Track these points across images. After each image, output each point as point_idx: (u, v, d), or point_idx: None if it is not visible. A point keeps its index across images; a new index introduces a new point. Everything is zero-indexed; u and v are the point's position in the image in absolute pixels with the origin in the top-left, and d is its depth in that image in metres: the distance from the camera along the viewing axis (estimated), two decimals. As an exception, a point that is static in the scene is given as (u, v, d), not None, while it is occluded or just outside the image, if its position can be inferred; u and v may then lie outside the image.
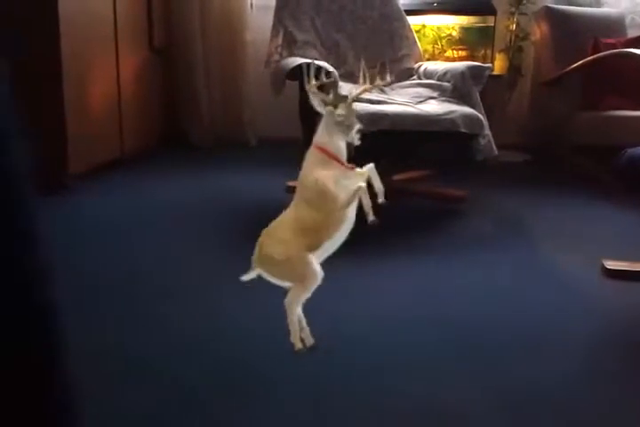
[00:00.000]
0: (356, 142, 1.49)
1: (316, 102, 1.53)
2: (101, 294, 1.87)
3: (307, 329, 1.52)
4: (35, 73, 2.64)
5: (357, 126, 1.49)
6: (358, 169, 1.47)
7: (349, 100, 1.50)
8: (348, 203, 1.44)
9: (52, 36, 2.67)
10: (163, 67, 3.83)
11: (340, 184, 1.45)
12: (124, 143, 3.32)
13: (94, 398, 1.29)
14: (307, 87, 1.54)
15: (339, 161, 1.46)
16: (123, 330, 1.66)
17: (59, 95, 2.73)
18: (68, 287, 1.77)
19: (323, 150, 1.47)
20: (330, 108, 1.50)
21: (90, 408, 1.24)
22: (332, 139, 1.48)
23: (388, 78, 1.61)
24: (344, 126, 1.48)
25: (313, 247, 1.45)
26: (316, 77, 1.58)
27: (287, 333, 1.48)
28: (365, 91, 1.59)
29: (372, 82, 1.61)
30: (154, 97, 3.74)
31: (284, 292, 1.58)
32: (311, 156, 1.50)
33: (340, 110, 1.48)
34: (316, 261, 1.46)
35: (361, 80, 1.62)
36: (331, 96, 1.52)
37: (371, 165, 1.47)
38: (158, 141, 3.77)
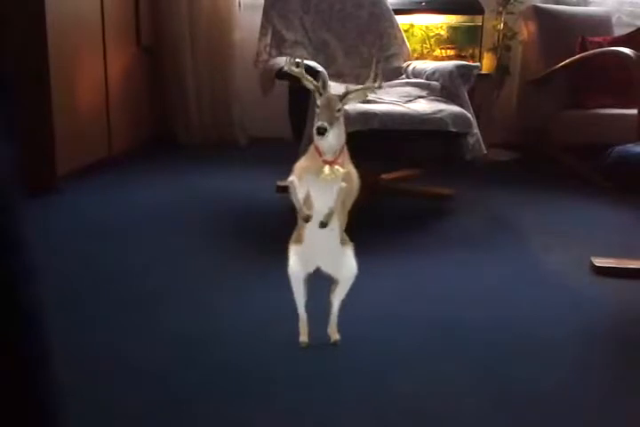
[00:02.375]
0: (319, 139, 1.44)
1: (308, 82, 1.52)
2: (93, 296, 1.86)
3: (335, 324, 1.56)
4: (21, 73, 2.62)
5: (319, 123, 1.43)
6: (337, 167, 1.44)
7: (343, 94, 1.48)
8: (292, 196, 1.45)
9: (39, 35, 2.65)
10: (150, 66, 3.81)
11: (305, 177, 1.45)
12: (113, 143, 3.30)
13: (92, 400, 1.29)
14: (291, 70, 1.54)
15: (319, 153, 1.46)
16: (119, 330, 1.65)
17: (46, 95, 2.71)
18: (57, 289, 1.77)
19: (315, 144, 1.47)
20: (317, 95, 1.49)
21: (87, 410, 1.24)
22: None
23: (378, 82, 1.58)
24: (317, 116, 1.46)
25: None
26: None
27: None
28: (354, 91, 1.56)
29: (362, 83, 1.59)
30: (142, 96, 3.72)
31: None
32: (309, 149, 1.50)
33: (319, 101, 1.47)
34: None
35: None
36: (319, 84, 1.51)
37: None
38: (147, 141, 3.75)
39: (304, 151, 1.53)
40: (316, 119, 1.45)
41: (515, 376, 1.49)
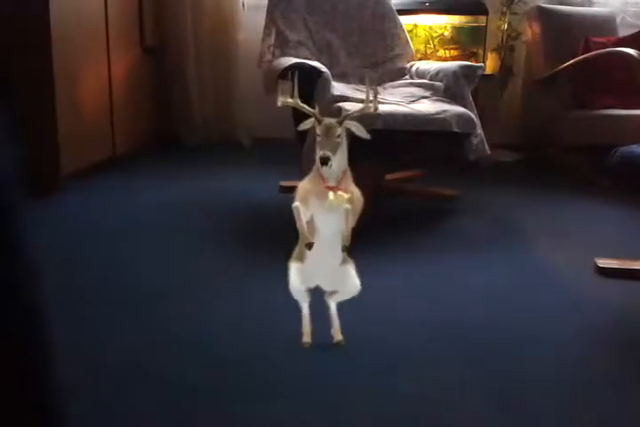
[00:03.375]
0: (322, 168, 1.42)
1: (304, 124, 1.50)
2: (95, 296, 1.87)
3: (337, 324, 1.57)
4: (26, 73, 2.63)
5: (322, 153, 1.40)
6: (340, 193, 1.42)
7: (338, 121, 1.45)
8: (296, 220, 1.44)
9: (43, 36, 2.66)
10: (154, 66, 3.82)
11: (310, 202, 1.45)
12: (116, 143, 3.31)
13: (92, 400, 1.29)
14: (292, 104, 1.51)
15: (322, 177, 1.46)
16: (119, 331, 1.65)
17: (50, 96, 2.71)
18: (59, 289, 1.77)
19: (317, 166, 1.47)
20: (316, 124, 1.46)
21: (87, 410, 1.24)
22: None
23: (374, 106, 1.55)
24: (318, 144, 1.43)
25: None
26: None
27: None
28: (351, 115, 1.51)
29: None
30: (145, 97, 3.73)
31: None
32: (312, 169, 1.50)
33: (318, 129, 1.44)
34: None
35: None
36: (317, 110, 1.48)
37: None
38: (150, 141, 3.75)
39: (307, 160, 1.52)
40: (317, 148, 1.44)
41: (515, 376, 1.49)
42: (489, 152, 2.66)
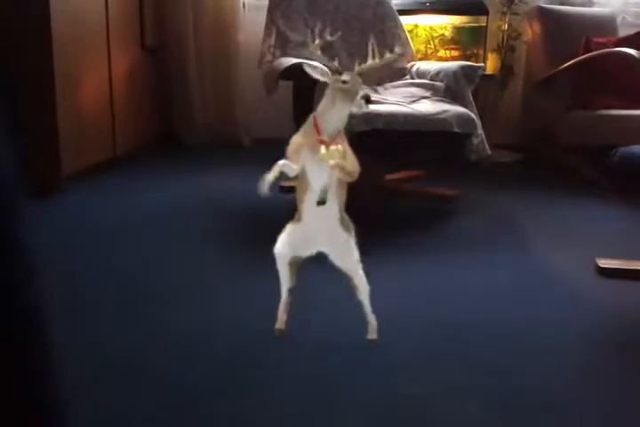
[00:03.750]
0: (364, 108, 1.43)
1: (316, 71, 1.50)
2: (96, 296, 1.87)
3: (373, 323, 1.56)
4: (26, 73, 2.63)
5: (362, 93, 1.42)
6: (333, 147, 1.41)
7: (357, 72, 1.47)
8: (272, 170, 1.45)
9: (44, 35, 2.66)
10: (155, 66, 3.82)
11: (300, 154, 1.44)
12: (117, 144, 3.31)
13: (93, 400, 1.29)
14: (310, 48, 1.52)
15: (317, 132, 1.45)
16: (119, 331, 1.65)
17: (50, 96, 2.71)
18: (60, 289, 1.77)
19: (314, 118, 1.47)
20: (336, 76, 1.46)
21: (89, 410, 1.24)
22: (331, 109, 1.46)
23: (388, 54, 1.55)
24: (349, 93, 1.43)
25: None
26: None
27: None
28: (375, 66, 1.54)
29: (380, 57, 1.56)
30: (146, 97, 3.73)
31: (280, 292, 1.58)
32: (307, 121, 1.50)
33: (346, 76, 1.45)
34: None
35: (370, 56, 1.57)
36: (336, 63, 1.50)
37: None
38: (151, 142, 3.76)
39: None
40: (345, 95, 1.43)
41: (515, 376, 1.48)
42: (489, 152, 2.66)
